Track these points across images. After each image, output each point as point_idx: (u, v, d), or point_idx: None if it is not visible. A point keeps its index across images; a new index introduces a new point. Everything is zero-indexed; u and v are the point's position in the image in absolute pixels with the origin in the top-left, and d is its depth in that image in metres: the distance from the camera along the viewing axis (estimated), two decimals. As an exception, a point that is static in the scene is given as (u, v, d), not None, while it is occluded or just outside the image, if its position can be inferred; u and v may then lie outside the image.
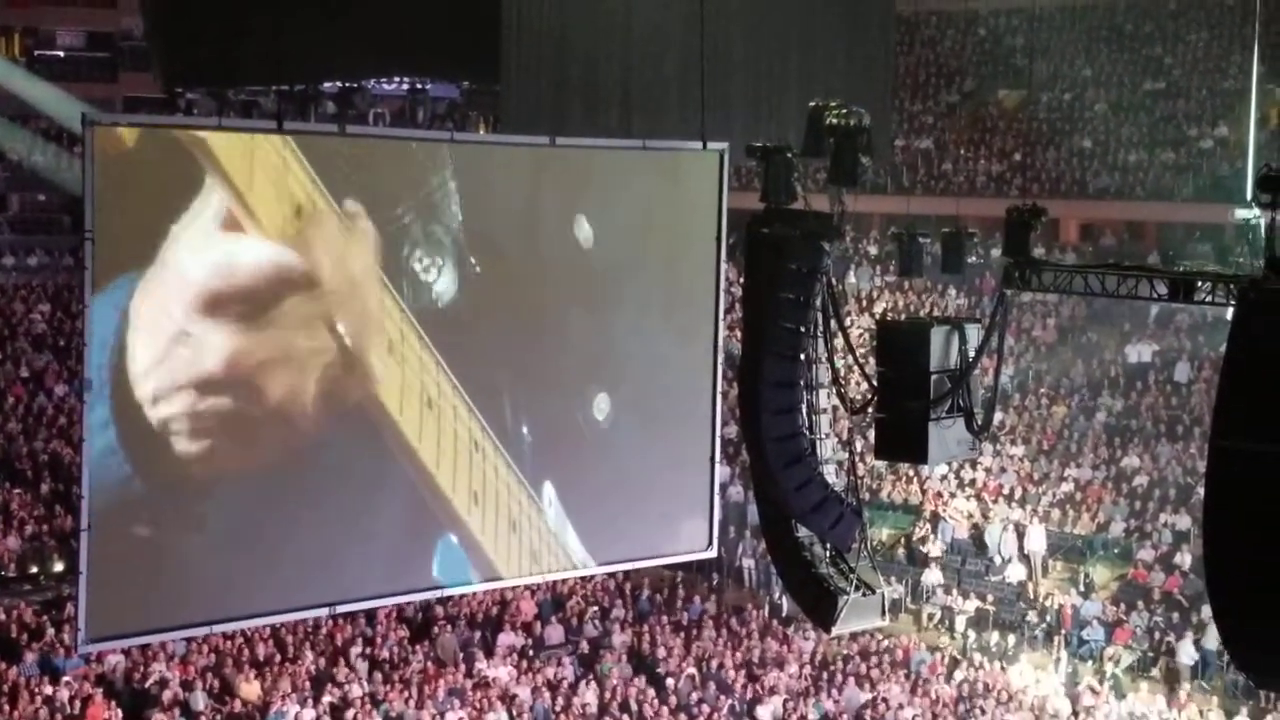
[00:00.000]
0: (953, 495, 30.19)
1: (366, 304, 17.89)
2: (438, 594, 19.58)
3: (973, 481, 30.42)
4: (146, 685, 22.02)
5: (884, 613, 17.23)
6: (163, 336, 16.61)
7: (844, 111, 15.54)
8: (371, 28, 22.19)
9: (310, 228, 17.22)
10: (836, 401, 16.65)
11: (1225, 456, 11.43)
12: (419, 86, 24.79)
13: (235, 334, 17.00)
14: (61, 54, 43.40)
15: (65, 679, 21.89)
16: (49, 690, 21.46)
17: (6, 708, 20.84)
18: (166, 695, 21.67)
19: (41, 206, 41.34)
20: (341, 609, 19.39)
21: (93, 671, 22.23)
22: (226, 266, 16.88)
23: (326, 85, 21.69)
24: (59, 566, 26.18)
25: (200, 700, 21.70)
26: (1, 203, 41.67)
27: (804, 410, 16.07)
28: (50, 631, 23.47)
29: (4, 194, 41.48)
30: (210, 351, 16.85)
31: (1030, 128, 39.72)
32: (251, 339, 17.14)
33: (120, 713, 21.29)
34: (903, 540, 29.50)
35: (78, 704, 21.32)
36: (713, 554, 21.56)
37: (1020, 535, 28.42)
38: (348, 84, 23.55)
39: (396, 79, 23.94)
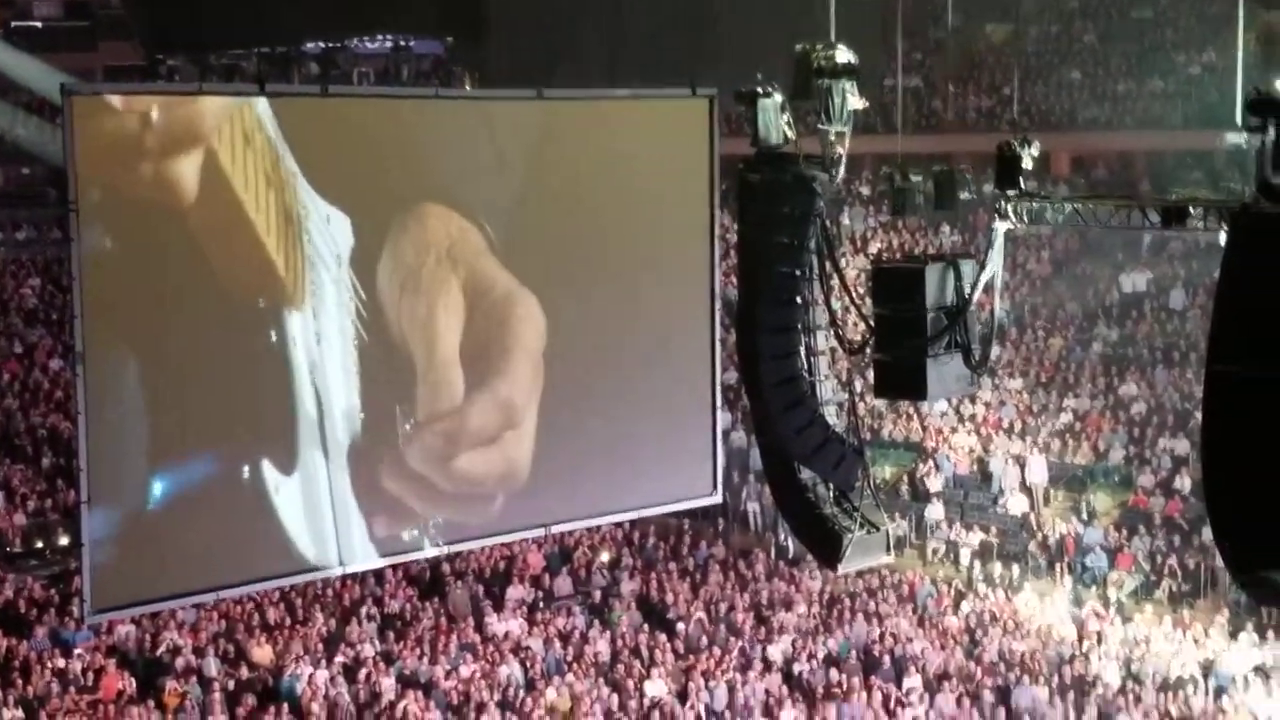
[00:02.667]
0: (953, 430, 30.30)
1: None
2: (446, 550, 19.67)
3: (972, 416, 30.52)
4: (159, 653, 22.14)
5: (889, 549, 17.36)
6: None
7: (832, 53, 15.52)
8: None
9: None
10: (834, 343, 16.72)
11: (1221, 381, 11.51)
12: (402, 44, 24.72)
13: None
14: (39, 24, 43.01)
15: (77, 651, 21.99)
16: (61, 663, 21.55)
17: (19, 682, 20.94)
18: (179, 662, 21.78)
19: (26, 180, 41.11)
20: (352, 569, 19.49)
21: (104, 643, 22.32)
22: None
23: (309, 46, 21.64)
24: (64, 540, 26.25)
25: (213, 666, 21.81)
26: (-14, 177, 41.50)
27: (802, 353, 16.15)
28: (59, 604, 23.56)
29: (-12, 168, 41.29)
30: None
31: (1019, 61, 39.63)
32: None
33: (134, 682, 21.38)
34: (905, 477, 29.61)
35: (91, 675, 21.42)
36: (718, 499, 21.67)
37: (1021, 467, 28.55)
38: (330, 44, 23.48)
39: (380, 37, 23.87)
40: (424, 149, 18.57)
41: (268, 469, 17.78)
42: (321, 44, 24.79)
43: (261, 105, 17.25)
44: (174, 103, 17.26)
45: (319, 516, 18.17)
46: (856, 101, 15.86)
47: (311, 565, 18.42)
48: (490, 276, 19.10)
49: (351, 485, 18.31)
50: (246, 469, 17.68)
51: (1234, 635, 23.19)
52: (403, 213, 18.54)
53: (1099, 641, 23.48)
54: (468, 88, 25.06)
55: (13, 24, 42.58)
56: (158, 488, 17.14)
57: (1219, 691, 21.86)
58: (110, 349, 16.65)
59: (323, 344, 17.93)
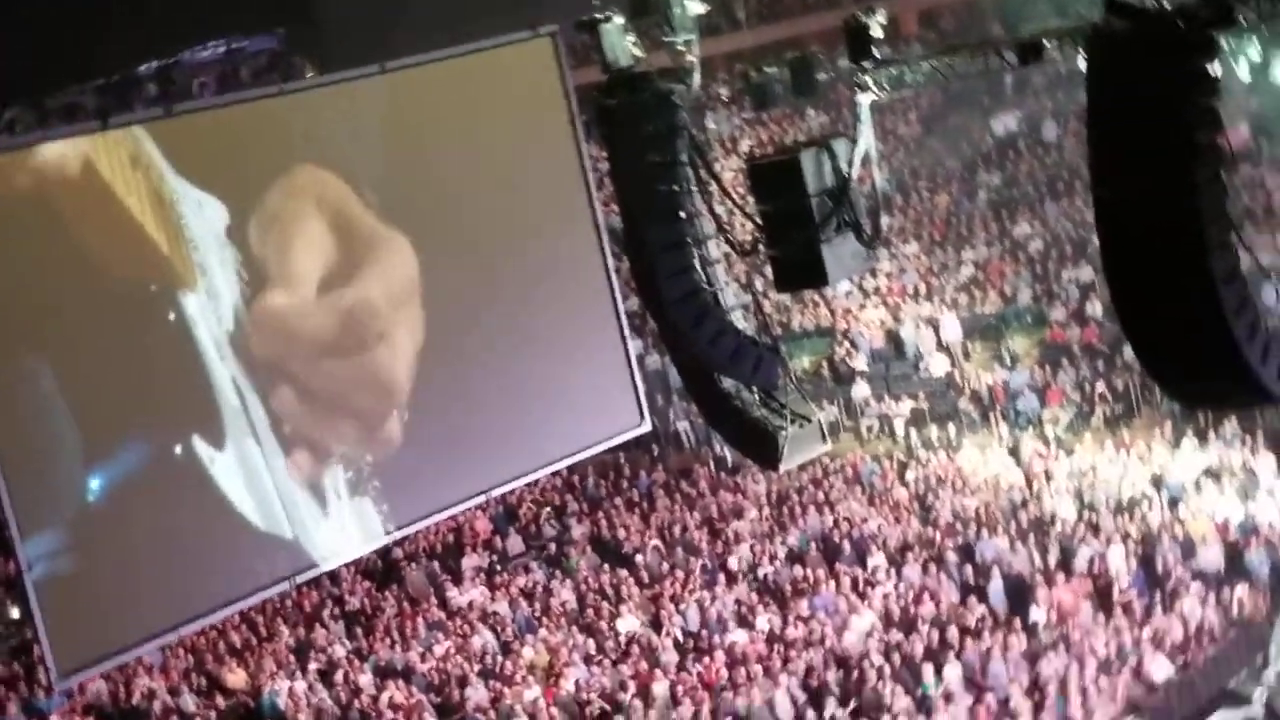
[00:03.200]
0: (861, 307, 30.48)
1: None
2: (391, 538, 19.61)
3: (877, 289, 30.72)
4: (135, 702, 21.91)
5: (825, 438, 17.44)
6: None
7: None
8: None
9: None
10: (727, 249, 16.69)
11: (1109, 205, 11.59)
12: (236, 46, 24.26)
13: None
14: None
15: (52, 718, 21.70)
16: (40, 732, 21.31)
17: (2, 761, 20.71)
18: (157, 706, 21.54)
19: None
20: (301, 578, 19.40)
21: (79, 703, 22.04)
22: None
23: (143, 69, 21.18)
24: (15, 613, 25.82)
25: (190, 702, 21.59)
26: None
27: (698, 265, 16.10)
28: (25, 675, 23.20)
29: None
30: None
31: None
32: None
33: (116, 735, 21.20)
34: (824, 363, 29.77)
35: (72, 738, 21.20)
36: (647, 428, 21.71)
37: (935, 328, 28.79)
38: (164, 61, 23.00)
39: (211, 44, 23.40)
40: (285, 129, 18.48)
41: (199, 445, 17.71)
42: (155, 63, 24.25)
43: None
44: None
45: (259, 481, 18.11)
46: (697, 6, 15.76)
47: (264, 533, 18.33)
48: (358, 218, 19.08)
49: (280, 449, 18.26)
50: (179, 448, 17.60)
51: (1176, 444, 23.61)
52: (271, 179, 18.49)
53: (1047, 480, 23.82)
54: (309, 75, 24.69)
55: None
56: (96, 484, 17.03)
57: (1173, 502, 22.28)
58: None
59: (223, 321, 17.87)
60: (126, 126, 17.69)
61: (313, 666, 22.04)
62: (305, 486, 18.55)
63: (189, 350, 17.79)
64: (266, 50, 26.96)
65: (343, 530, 19.34)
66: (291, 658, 22.49)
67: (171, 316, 17.66)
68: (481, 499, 20.61)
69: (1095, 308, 27.27)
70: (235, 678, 22.21)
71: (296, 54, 26.95)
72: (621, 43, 16.10)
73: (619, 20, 16.12)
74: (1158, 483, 22.75)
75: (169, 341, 17.69)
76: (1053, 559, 21.49)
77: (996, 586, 21.05)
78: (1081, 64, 12.26)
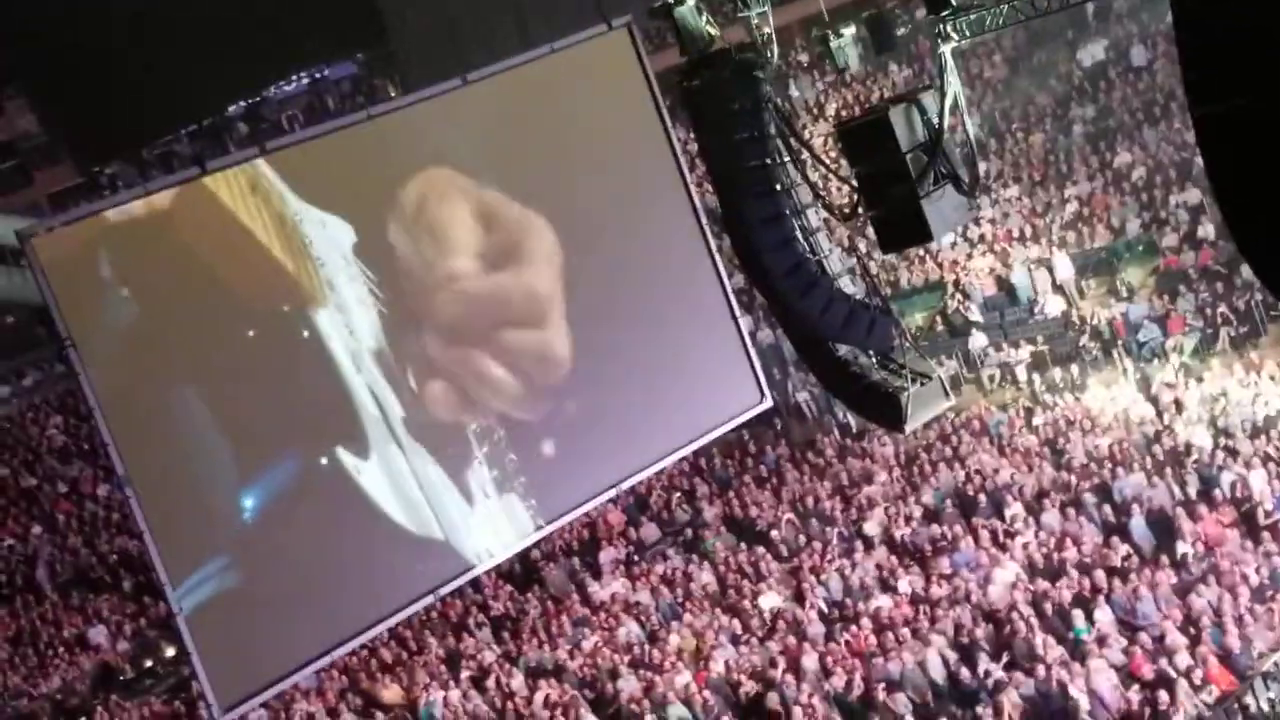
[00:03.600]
0: (969, 257, 30.18)
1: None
2: (543, 533, 19.80)
3: (982, 237, 30.39)
4: (296, 727, 22.35)
5: (947, 393, 17.33)
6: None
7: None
8: (251, 40, 22.01)
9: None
10: (826, 215, 16.62)
11: (1210, 123, 11.37)
12: (318, 76, 24.60)
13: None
14: (-28, 176, 42.95)
15: (219, 752, 22.18)
16: (209, 768, 21.77)
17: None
18: (318, 729, 22.00)
19: (12, 327, 41.19)
20: (445, 589, 19.61)
21: (241, 735, 22.53)
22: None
23: (231, 109, 21.57)
24: (170, 651, 26.43)
25: (350, 721, 22.03)
26: (-26, 338, 41.55)
27: (799, 236, 16.06)
28: (186, 713, 23.77)
29: (-28, 328, 41.34)
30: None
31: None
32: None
33: (283, 761, 21.61)
34: (938, 318, 29.52)
35: (240, 769, 21.63)
36: (768, 403, 21.65)
37: (1048, 269, 28.43)
38: (251, 100, 23.40)
39: (294, 78, 23.76)
40: (399, 143, 18.84)
41: (345, 456, 18.05)
42: (243, 103, 24.67)
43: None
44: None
45: (404, 486, 18.39)
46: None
47: (416, 536, 18.59)
48: (498, 200, 19.32)
49: (424, 449, 18.56)
50: (325, 460, 17.96)
51: (1307, 362, 23.13)
52: (397, 185, 18.82)
53: (1179, 410, 23.42)
54: (392, 94, 24.94)
55: (-55, 182, 42.53)
56: (250, 504, 17.40)
57: (1311, 417, 21.83)
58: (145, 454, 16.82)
59: (356, 334, 18.20)
60: (224, 170, 18.02)
61: (464, 674, 22.31)
62: (452, 486, 18.79)
63: (325, 365, 18.13)
64: (348, 76, 27.30)
65: (493, 528, 19.54)
66: (443, 668, 22.79)
67: (305, 334, 18.03)
68: (614, 491, 20.68)
69: (1207, 229, 26.77)
70: (390, 693, 22.55)
71: (377, 76, 27.27)
72: (697, 23, 16.10)
73: (691, 2, 16.11)
74: (1292, 399, 22.30)
75: (305, 358, 18.05)
76: (1193, 489, 21.14)
77: (1139, 524, 20.75)
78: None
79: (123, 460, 16.41)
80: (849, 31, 16.33)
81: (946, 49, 15.20)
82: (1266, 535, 19.76)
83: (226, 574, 17.19)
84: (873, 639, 20.13)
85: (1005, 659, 18.87)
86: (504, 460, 19.38)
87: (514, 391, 19.37)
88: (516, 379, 19.35)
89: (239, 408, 17.60)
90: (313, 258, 18.01)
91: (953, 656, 19.24)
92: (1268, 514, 20.14)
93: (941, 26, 15.03)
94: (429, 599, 19.23)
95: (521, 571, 25.37)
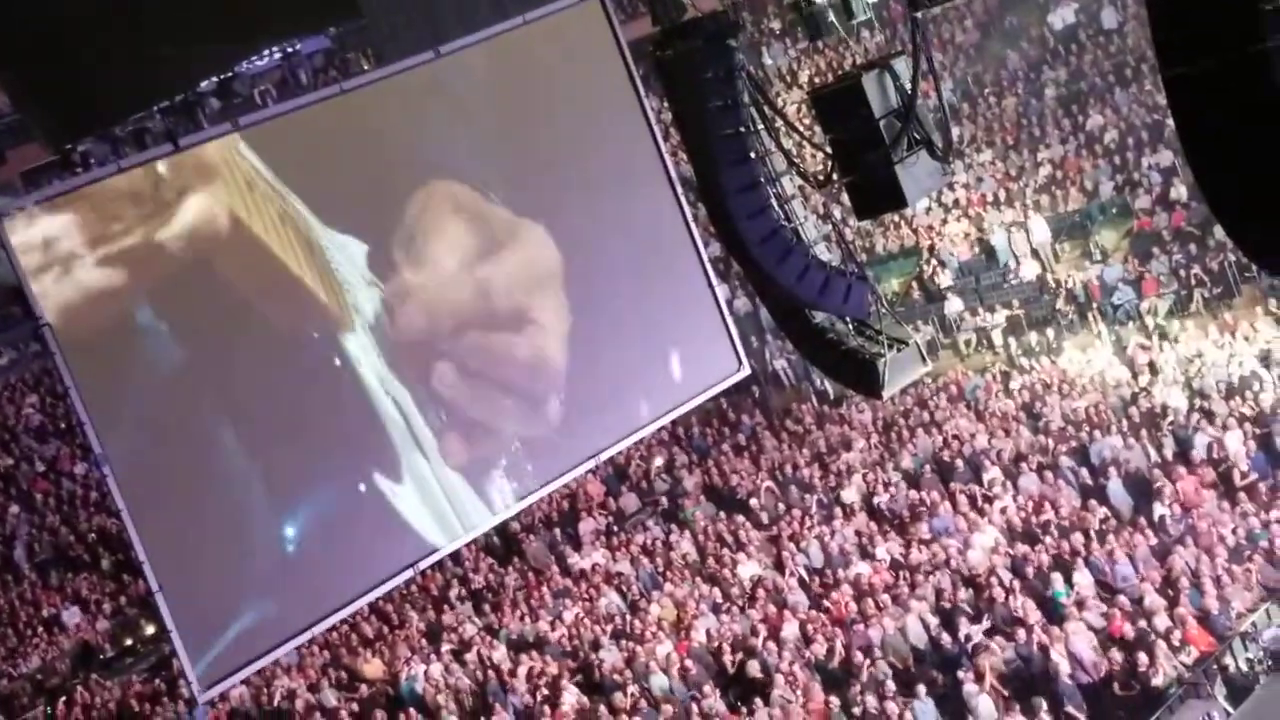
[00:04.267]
0: (944, 222, 30.22)
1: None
2: (505, 516, 19.76)
3: (956, 201, 30.43)
4: (277, 703, 22.34)
5: (924, 359, 17.31)
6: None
7: (697, -93, 15.29)
8: (221, 14, 21.81)
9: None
10: (800, 182, 16.58)
11: (1180, 85, 11.37)
12: (290, 50, 24.37)
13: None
14: (-59, 156, 42.59)
15: (202, 728, 22.23)
16: (192, 744, 21.82)
17: (157, 774, 21.21)
18: (299, 704, 21.98)
19: (-14, 307, 40.97)
20: (423, 564, 19.61)
21: (224, 710, 22.53)
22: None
23: (204, 85, 21.39)
24: (150, 630, 26.41)
25: (331, 696, 22.02)
26: (-54, 318, 41.32)
27: (774, 204, 16.01)
28: (168, 690, 23.77)
29: (-55, 308, 41.12)
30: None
31: None
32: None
33: (266, 737, 21.65)
34: (914, 283, 29.58)
35: (222, 745, 21.69)
36: (746, 371, 21.67)
37: (1022, 232, 28.48)
38: (223, 75, 23.21)
39: (266, 52, 23.55)
40: (405, 152, 18.79)
41: (381, 481, 18.04)
42: (215, 79, 24.40)
43: (246, 150, 17.61)
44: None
45: (432, 497, 18.43)
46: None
47: (436, 547, 18.64)
48: (492, 214, 19.33)
49: (446, 460, 18.57)
50: (363, 487, 17.94)
51: (1280, 322, 23.23)
52: (403, 202, 18.79)
53: (1154, 372, 23.54)
54: (365, 67, 24.80)
55: (-86, 163, 42.20)
56: (291, 531, 17.37)
57: (1285, 378, 21.95)
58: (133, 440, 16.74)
59: (379, 351, 18.20)
60: (198, 146, 17.91)
61: (446, 648, 22.36)
62: (471, 489, 18.83)
63: (356, 389, 18.12)
64: (320, 50, 27.06)
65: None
66: (424, 641, 22.84)
67: (337, 361, 18.03)
68: (593, 462, 20.71)
69: (1180, 191, 26.86)
70: (372, 667, 22.59)
71: (350, 50, 27.07)
72: (667, -7, 16.00)
73: (662, -30, 16.02)
74: (1266, 360, 22.40)
75: (337, 385, 18.03)
76: (1169, 451, 21.27)
77: (1116, 486, 20.87)
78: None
79: (100, 439, 16.32)
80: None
81: (918, 14, 15.15)
82: (1243, 496, 19.90)
83: (208, 555, 17.13)
84: (853, 605, 20.23)
85: (987, 624, 18.99)
86: (518, 457, 19.44)
87: (522, 413, 19.44)
88: (521, 404, 19.40)
89: (274, 439, 17.56)
90: (339, 283, 18.14)
91: (934, 621, 19.36)
92: (1244, 475, 20.27)
93: (912, -9, 14.97)
94: (409, 573, 19.22)
95: (501, 544, 25.40)
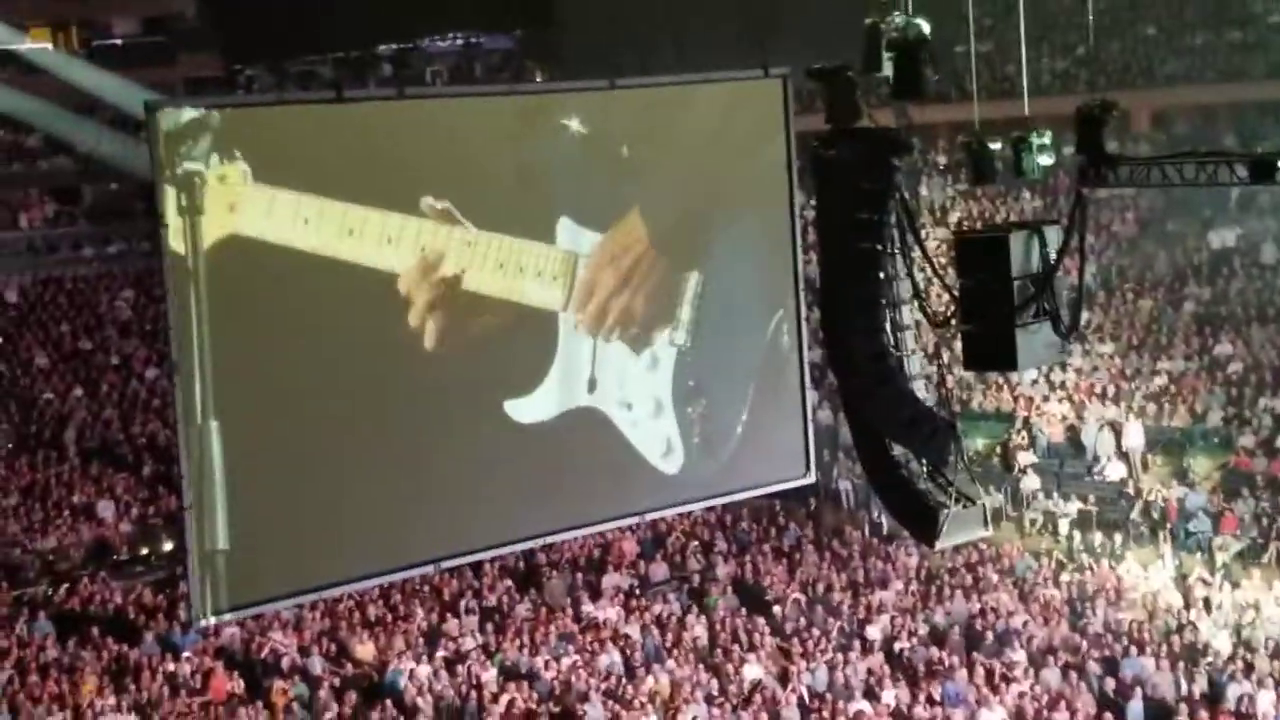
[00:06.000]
0: (1045, 399, 29.97)
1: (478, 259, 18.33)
2: (543, 540, 19.81)
3: (1064, 383, 30.18)
4: (263, 655, 22.39)
5: (986, 523, 17.13)
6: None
7: (903, 24, 15.33)
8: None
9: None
10: (920, 316, 16.52)
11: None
12: (473, 40, 24.79)
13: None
14: (119, 42, 43.51)
15: (185, 654, 22.30)
16: (170, 666, 21.86)
17: (132, 686, 21.27)
18: (284, 662, 22.02)
19: (114, 195, 41.77)
20: (447, 564, 19.65)
21: (211, 645, 22.62)
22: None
23: (382, 48, 21.79)
24: (168, 546, 26.64)
25: (318, 665, 22.01)
26: (75, 194, 42.17)
27: (888, 328, 15.95)
28: (167, 609, 23.93)
29: (77, 185, 41.99)
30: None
31: (1092, 20, 39.07)
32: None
33: (241, 682, 21.64)
34: (998, 449, 29.34)
35: (199, 678, 21.71)
36: (811, 479, 21.59)
37: (1117, 433, 28.18)
38: (403, 45, 23.64)
39: (451, 35, 23.97)
40: (529, 151, 19.12)
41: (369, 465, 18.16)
42: (394, 46, 24.87)
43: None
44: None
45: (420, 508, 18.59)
46: (929, 71, 15.65)
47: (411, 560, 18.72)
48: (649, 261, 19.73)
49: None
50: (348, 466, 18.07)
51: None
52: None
53: (1207, 609, 23.11)
54: (539, 78, 25.15)
55: (94, 43, 43.19)
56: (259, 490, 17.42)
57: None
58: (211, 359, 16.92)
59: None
60: (358, 102, 18.21)
61: (440, 654, 22.30)
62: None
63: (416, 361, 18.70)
64: (501, 50, 27.49)
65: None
66: (421, 641, 22.80)
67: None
68: (635, 519, 20.72)
69: (1287, 442, 26.47)
70: (364, 649, 22.58)
71: (529, 58, 27.46)
72: (849, 96, 16.04)
73: (850, 73, 16.07)
74: (1322, 635, 21.93)
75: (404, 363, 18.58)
76: (1199, 690, 20.84)
77: (1137, 707, 20.45)
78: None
79: (179, 349, 16.50)
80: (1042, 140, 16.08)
81: (1085, 191, 15.09)
82: (1259, 756, 19.45)
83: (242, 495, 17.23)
84: (843, 740, 19.95)
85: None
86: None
87: None
88: None
89: (335, 338, 17.89)
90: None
91: (915, 781, 19.05)
92: (1265, 736, 19.82)
93: (1085, 168, 14.93)
94: (428, 569, 19.27)
95: (524, 571, 25.37)
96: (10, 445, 30.37)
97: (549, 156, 19.15)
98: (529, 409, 20.36)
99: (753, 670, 21.79)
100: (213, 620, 18.49)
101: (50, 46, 41.88)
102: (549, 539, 20.56)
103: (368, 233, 18.29)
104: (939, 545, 17.31)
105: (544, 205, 19.93)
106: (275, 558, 17.42)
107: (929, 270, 17.36)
